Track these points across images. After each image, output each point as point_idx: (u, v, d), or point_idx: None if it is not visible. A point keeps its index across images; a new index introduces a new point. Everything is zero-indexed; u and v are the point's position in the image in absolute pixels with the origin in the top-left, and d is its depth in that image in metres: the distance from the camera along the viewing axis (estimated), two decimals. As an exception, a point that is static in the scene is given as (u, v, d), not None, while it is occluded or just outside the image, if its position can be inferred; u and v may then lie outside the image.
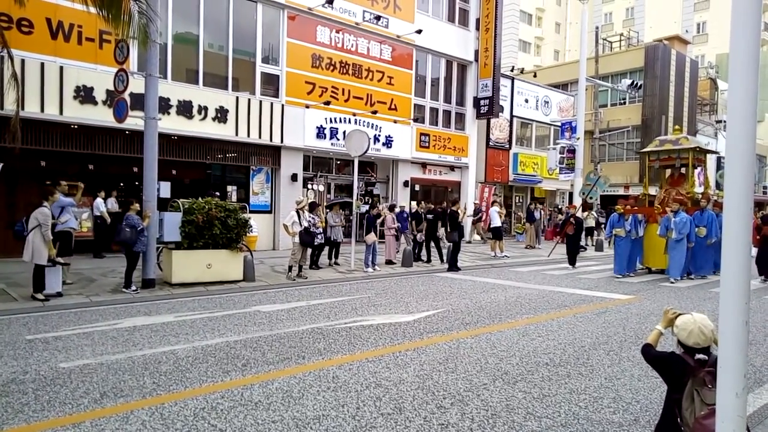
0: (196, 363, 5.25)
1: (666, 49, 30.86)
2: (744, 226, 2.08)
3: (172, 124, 13.71)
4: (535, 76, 27.95)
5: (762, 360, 5.85)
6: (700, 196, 13.34)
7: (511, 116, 23.87)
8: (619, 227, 12.65)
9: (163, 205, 10.54)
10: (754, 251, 18.98)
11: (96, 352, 5.55)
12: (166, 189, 10.67)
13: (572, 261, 14.30)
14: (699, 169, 15.18)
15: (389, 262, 13.72)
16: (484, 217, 20.67)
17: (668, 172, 14.39)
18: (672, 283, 11.56)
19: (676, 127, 15.48)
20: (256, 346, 5.92)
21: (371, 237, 12.59)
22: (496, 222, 16.84)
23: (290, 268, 11.10)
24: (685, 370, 2.68)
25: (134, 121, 9.91)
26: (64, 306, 7.82)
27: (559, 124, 24.23)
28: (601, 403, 4.45)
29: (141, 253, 9.09)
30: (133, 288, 8.95)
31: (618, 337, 6.68)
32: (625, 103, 31.67)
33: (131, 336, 6.23)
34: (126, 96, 9.73)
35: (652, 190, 17.20)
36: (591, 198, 15.98)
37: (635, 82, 25.32)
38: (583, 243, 17.10)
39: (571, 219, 14.81)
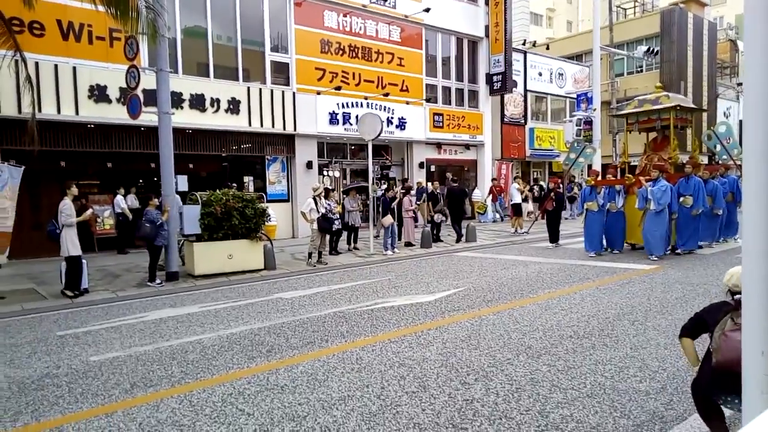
0: (221, 351, 5.33)
1: (682, 12, 29.98)
2: (765, 189, 2.00)
3: (186, 118, 13.80)
4: (547, 48, 27.44)
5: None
6: (686, 160, 11.88)
7: (525, 91, 23.51)
8: (591, 200, 11.39)
9: (182, 198, 10.66)
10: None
11: (124, 344, 5.68)
12: (183, 182, 10.81)
13: (553, 238, 13.12)
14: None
15: (408, 244, 13.72)
16: (503, 194, 20.51)
17: (652, 135, 12.98)
18: (652, 260, 10.19)
19: (657, 84, 13.46)
20: (279, 332, 5.99)
21: (388, 219, 12.59)
22: (517, 199, 16.73)
23: (310, 255, 11.17)
24: (726, 310, 2.76)
25: (148, 117, 10.00)
26: (91, 302, 7.99)
27: (575, 96, 23.82)
28: (627, 373, 4.41)
29: (163, 246, 9.22)
30: (158, 281, 9.11)
31: (642, 307, 6.61)
32: (642, 70, 30.94)
33: (158, 328, 6.35)
34: (139, 92, 9.81)
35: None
36: (576, 169, 14.54)
37: (651, 49, 24.70)
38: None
39: (552, 194, 13.52)
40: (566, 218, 13.34)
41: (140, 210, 11.61)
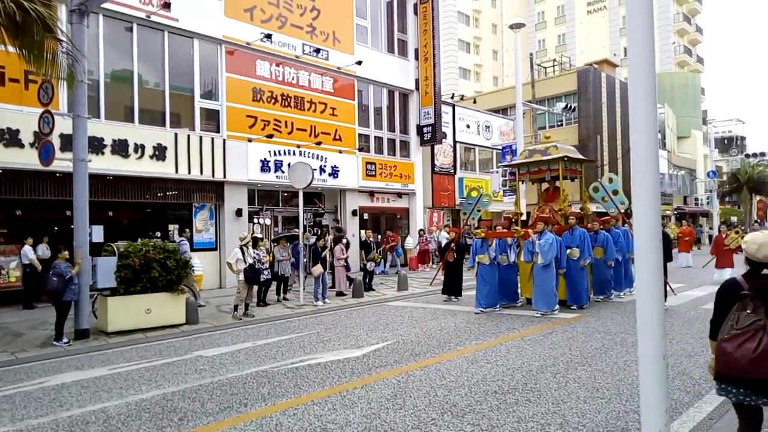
0: (128, 421, 4.91)
1: (596, 72, 32.47)
2: (654, 244, 2.11)
3: (107, 164, 13.21)
4: (474, 102, 28.73)
5: (701, 372, 6.01)
6: (570, 212, 11.69)
7: (455, 142, 24.36)
8: (482, 253, 10.79)
9: (98, 249, 10.04)
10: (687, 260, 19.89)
11: (16, 417, 5.12)
12: (99, 233, 10.19)
13: (452, 290, 12.48)
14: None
15: (340, 294, 13.52)
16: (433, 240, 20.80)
17: (544, 186, 12.90)
18: (537, 318, 9.71)
19: (546, 134, 13.62)
20: (195, 396, 5.61)
21: (318, 269, 12.38)
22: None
23: (236, 308, 10.74)
24: (736, 296, 2.68)
25: (65, 163, 9.47)
26: (-15, 366, 7.23)
27: (501, 147, 24.88)
28: (548, 430, 4.42)
29: (72, 302, 8.57)
30: (65, 340, 8.42)
31: (564, 358, 6.74)
32: (562, 124, 32.93)
33: (58, 395, 5.80)
34: (53, 138, 9.31)
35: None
36: (473, 218, 13.92)
37: (569, 105, 26.43)
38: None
39: (452, 245, 12.91)
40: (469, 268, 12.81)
41: (52, 261, 10.84)
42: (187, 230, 14.66)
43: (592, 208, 13.05)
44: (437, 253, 20.60)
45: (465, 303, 11.84)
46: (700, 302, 11.12)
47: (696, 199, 45.66)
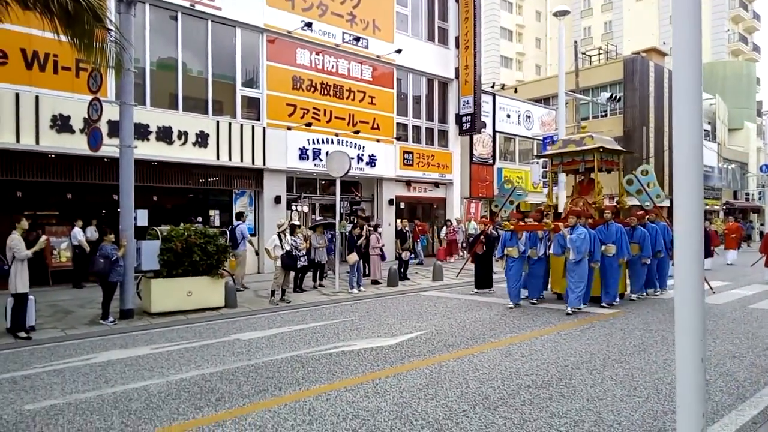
0: (168, 399, 5.09)
1: (644, 61, 31.36)
2: (696, 236, 2.03)
3: (152, 150, 13.60)
4: (515, 91, 28.22)
5: (745, 374, 5.80)
6: (606, 205, 11.26)
7: (494, 132, 24.02)
8: (511, 246, 10.47)
9: (142, 233, 10.39)
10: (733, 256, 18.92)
11: (65, 390, 5.38)
12: (143, 217, 10.56)
13: (483, 284, 12.27)
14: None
15: (375, 282, 13.61)
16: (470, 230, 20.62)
17: (579, 178, 12.42)
18: (568, 314, 9.32)
19: (583, 124, 12.97)
20: (232, 377, 5.77)
21: (353, 257, 12.48)
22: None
23: (273, 293, 10.95)
24: None
25: (112, 148, 9.80)
26: (37, 341, 7.61)
27: (542, 138, 24.40)
28: (582, 427, 4.35)
29: (118, 283, 8.91)
30: (111, 319, 8.77)
31: (601, 355, 6.61)
32: (606, 115, 32.03)
33: (104, 371, 6.06)
34: (101, 124, 9.63)
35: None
36: (505, 210, 13.23)
37: (614, 95, 25.63)
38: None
39: (481, 237, 12.55)
40: (497, 259, 12.21)
41: (100, 242, 11.29)
42: (246, 214, 14.75)
43: (629, 202, 12.26)
44: (464, 244, 20.38)
45: (500, 295, 11.71)
46: (747, 302, 10.69)
47: (747, 194, 43.75)
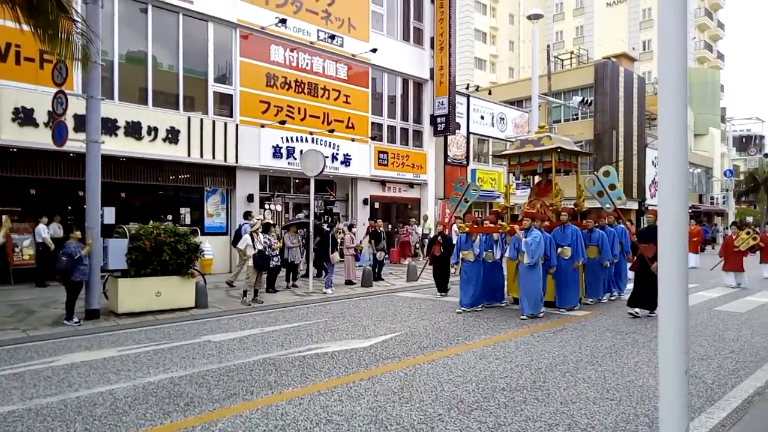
0: (134, 404, 4.92)
1: (614, 66, 31.99)
2: (680, 230, 2.01)
3: (120, 145, 13.23)
4: (490, 93, 28.43)
5: (713, 375, 5.91)
6: (564, 208, 10.84)
7: (468, 133, 24.15)
8: (466, 249, 10.18)
9: (109, 231, 10.09)
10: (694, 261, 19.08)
11: (25, 395, 5.15)
12: (110, 214, 10.26)
13: (441, 287, 11.92)
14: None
15: (349, 282, 13.52)
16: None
17: (537, 179, 12.04)
18: (523, 320, 9.02)
19: (541, 124, 12.51)
20: (202, 381, 5.62)
21: (336, 257, 12.40)
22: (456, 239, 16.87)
23: (245, 293, 10.76)
24: None
25: (78, 143, 9.49)
26: (-4, 343, 7.30)
27: (514, 140, 24.61)
28: (556, 431, 4.36)
29: (82, 282, 8.62)
30: (76, 320, 8.48)
31: (574, 357, 6.67)
32: (578, 118, 32.57)
33: (67, 375, 5.83)
34: (66, 118, 9.31)
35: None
36: (460, 211, 12.73)
37: (585, 99, 26.05)
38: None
39: (439, 238, 12.15)
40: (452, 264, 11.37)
41: (65, 240, 10.93)
42: (253, 215, 14.21)
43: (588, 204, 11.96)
44: (419, 246, 20.17)
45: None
46: (713, 304, 10.96)
47: (711, 198, 45.06)
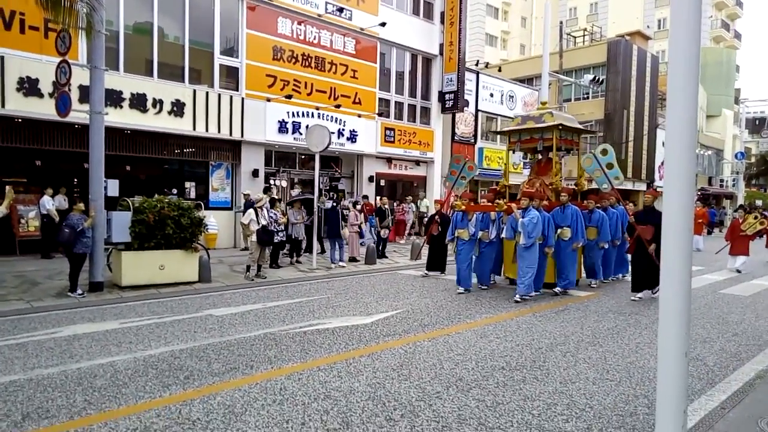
0: (134, 376, 4.94)
1: (627, 44, 31.35)
2: (686, 212, 1.93)
3: (125, 118, 13.17)
4: (500, 70, 28.04)
5: (715, 358, 5.88)
6: (563, 187, 10.54)
7: (477, 110, 23.87)
8: (462, 228, 9.91)
9: (114, 203, 10.09)
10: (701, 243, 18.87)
11: (27, 365, 5.19)
12: (114, 187, 10.22)
13: (435, 266, 11.75)
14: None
15: (353, 260, 13.52)
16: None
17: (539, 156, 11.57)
18: (517, 302, 8.79)
19: (543, 101, 12.03)
20: (202, 355, 5.64)
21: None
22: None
23: (248, 268, 10.78)
24: None
25: (82, 114, 9.41)
26: (1, 313, 7.36)
27: (515, 116, 24.33)
28: (555, 410, 4.35)
29: (86, 254, 8.64)
30: (79, 292, 8.53)
31: (575, 337, 6.64)
32: (588, 97, 32.09)
33: (69, 346, 5.87)
34: (70, 89, 9.22)
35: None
36: (457, 188, 12.26)
37: (597, 78, 25.63)
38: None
39: (436, 217, 11.89)
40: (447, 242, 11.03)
41: (70, 212, 10.95)
42: (272, 189, 13.99)
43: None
44: (415, 224, 19.83)
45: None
46: (718, 287, 10.88)
47: (721, 181, 44.56)
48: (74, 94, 11.18)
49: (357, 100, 18.65)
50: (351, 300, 8.79)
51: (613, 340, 6.54)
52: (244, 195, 14.53)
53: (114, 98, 12.75)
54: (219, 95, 15.05)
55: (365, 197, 17.22)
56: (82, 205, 8.71)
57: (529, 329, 7.01)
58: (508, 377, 5.11)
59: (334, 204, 13.58)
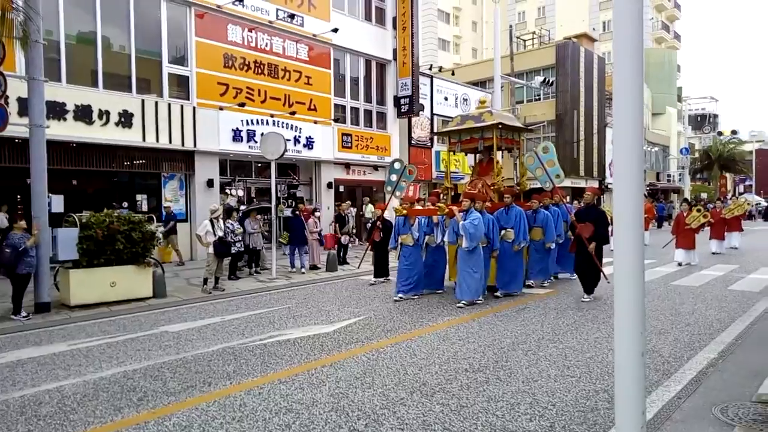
0: (84, 401, 4.69)
1: (575, 46, 32.28)
2: (635, 209, 1.95)
3: (70, 130, 12.64)
4: (453, 74, 28.35)
5: (670, 349, 6.04)
6: (504, 188, 10.29)
7: (432, 114, 24.07)
8: (404, 233, 9.71)
9: (59, 220, 9.64)
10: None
11: (-36, 397, 4.86)
12: (59, 202, 9.78)
13: (381, 272, 11.46)
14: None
15: (314, 267, 13.35)
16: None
17: (479, 157, 11.39)
18: (460, 308, 8.43)
19: (482, 99, 11.59)
20: (157, 374, 5.41)
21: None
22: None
23: (205, 281, 10.49)
24: None
25: (22, 128, 8.97)
26: (-64, 341, 6.90)
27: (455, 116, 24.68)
28: (518, 410, 4.36)
29: (30, 275, 8.21)
30: (24, 314, 8.09)
31: (536, 335, 6.71)
32: (540, 99, 32.83)
33: (12, 373, 5.53)
34: (7, 101, 8.78)
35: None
36: (398, 192, 11.96)
37: (546, 79, 26.26)
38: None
39: (378, 223, 11.42)
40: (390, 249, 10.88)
41: (10, 230, 10.39)
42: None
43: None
44: (354, 231, 19.73)
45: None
46: (670, 279, 11.25)
47: (668, 176, 46.36)
48: (13, 107, 10.71)
49: (312, 107, 18.50)
50: (312, 309, 8.66)
51: (572, 336, 6.64)
52: (165, 208, 14.36)
53: (57, 110, 12.24)
54: (169, 105, 14.64)
55: (301, 202, 16.76)
56: (23, 223, 8.27)
57: (491, 329, 7.05)
58: (471, 379, 5.10)
59: (296, 212, 13.38)
